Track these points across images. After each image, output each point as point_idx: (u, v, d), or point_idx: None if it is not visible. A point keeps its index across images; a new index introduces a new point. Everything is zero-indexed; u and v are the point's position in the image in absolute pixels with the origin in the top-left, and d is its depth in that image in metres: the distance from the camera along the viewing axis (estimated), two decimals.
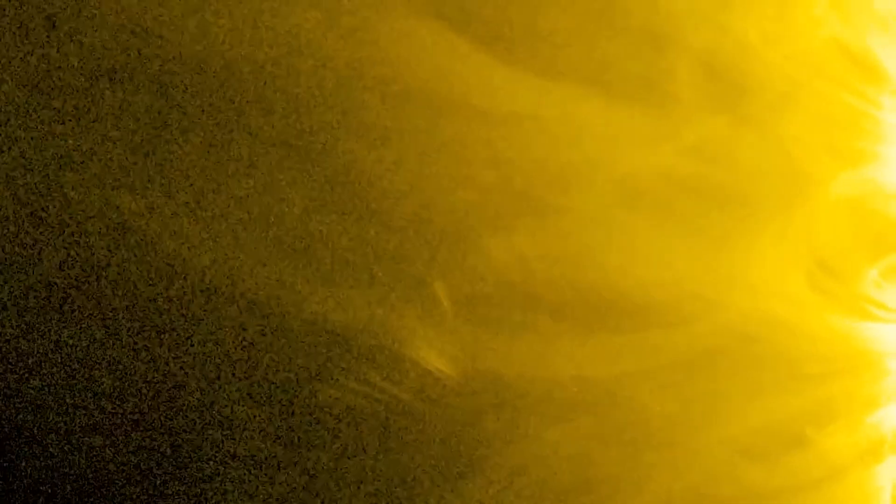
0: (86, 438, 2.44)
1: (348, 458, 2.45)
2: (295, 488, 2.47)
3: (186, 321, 2.40)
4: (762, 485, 2.48)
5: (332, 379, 2.41)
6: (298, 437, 2.45)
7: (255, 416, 2.44)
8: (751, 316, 2.44)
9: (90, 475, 2.48)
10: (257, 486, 2.48)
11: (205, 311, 2.40)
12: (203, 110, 2.36)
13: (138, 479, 2.47)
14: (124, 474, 2.47)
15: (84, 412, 2.44)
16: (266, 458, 2.46)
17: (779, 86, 2.42)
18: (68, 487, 2.46)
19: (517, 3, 2.37)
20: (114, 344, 2.42)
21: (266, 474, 2.47)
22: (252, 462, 2.47)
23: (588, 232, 2.40)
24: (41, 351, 2.43)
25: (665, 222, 2.42)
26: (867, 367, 2.48)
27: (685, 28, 2.41)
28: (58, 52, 2.34)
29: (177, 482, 2.47)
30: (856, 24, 2.46)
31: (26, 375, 2.44)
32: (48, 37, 2.34)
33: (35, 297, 2.41)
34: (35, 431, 2.46)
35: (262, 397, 2.44)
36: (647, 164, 2.41)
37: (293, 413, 2.44)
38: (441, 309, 2.40)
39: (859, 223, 2.47)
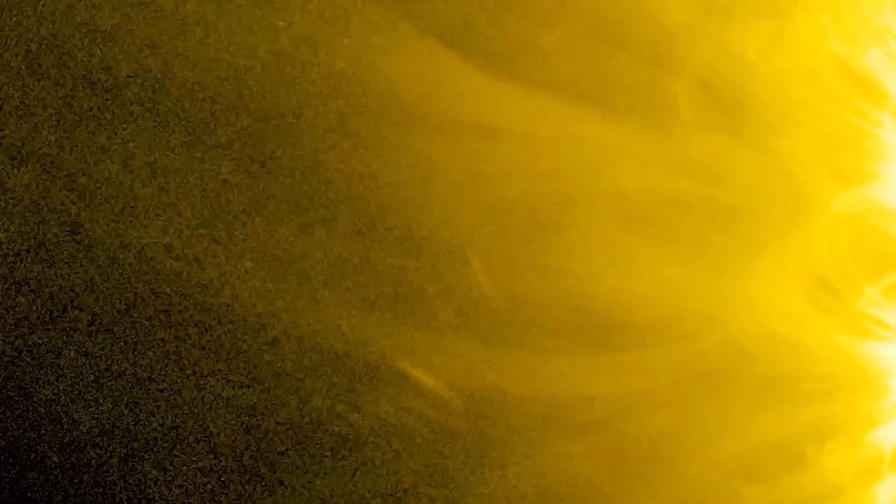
0: (85, 459, 2.45)
1: (346, 478, 2.45)
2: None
3: (185, 340, 2.41)
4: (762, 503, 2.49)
5: (329, 398, 2.41)
6: (294, 456, 2.45)
7: (251, 435, 2.45)
8: (751, 334, 2.44)
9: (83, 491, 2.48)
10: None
11: (203, 328, 2.40)
12: (200, 128, 2.37)
13: (132, 489, 2.47)
14: (118, 488, 2.47)
15: (85, 431, 2.44)
16: (262, 476, 2.47)
17: (778, 104, 2.42)
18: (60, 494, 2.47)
19: (517, 21, 2.38)
20: (111, 360, 2.42)
21: (261, 491, 2.48)
22: (247, 480, 2.47)
23: (588, 250, 2.41)
24: (38, 364, 2.43)
25: (665, 240, 2.42)
26: (867, 386, 2.48)
27: (684, 45, 2.40)
28: (54, 62, 2.35)
29: (169, 494, 2.47)
30: (856, 41, 2.47)
31: (22, 387, 2.44)
32: (46, 47, 2.35)
33: (34, 309, 2.41)
34: (31, 442, 2.46)
35: (258, 415, 2.44)
36: (648, 182, 2.41)
37: (289, 431, 2.44)
38: (440, 327, 2.41)
39: (859, 242, 2.47)
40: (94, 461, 2.45)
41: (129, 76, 2.33)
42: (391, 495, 2.44)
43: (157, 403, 2.44)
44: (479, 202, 2.39)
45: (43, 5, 2.33)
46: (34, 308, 2.41)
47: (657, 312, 2.42)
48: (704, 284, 2.42)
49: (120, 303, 2.39)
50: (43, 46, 2.35)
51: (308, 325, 2.38)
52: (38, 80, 2.35)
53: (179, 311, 2.40)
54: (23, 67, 2.35)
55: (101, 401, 2.43)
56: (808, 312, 2.45)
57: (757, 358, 2.45)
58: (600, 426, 2.44)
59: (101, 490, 2.46)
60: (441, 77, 2.35)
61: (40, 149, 2.37)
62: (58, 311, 2.41)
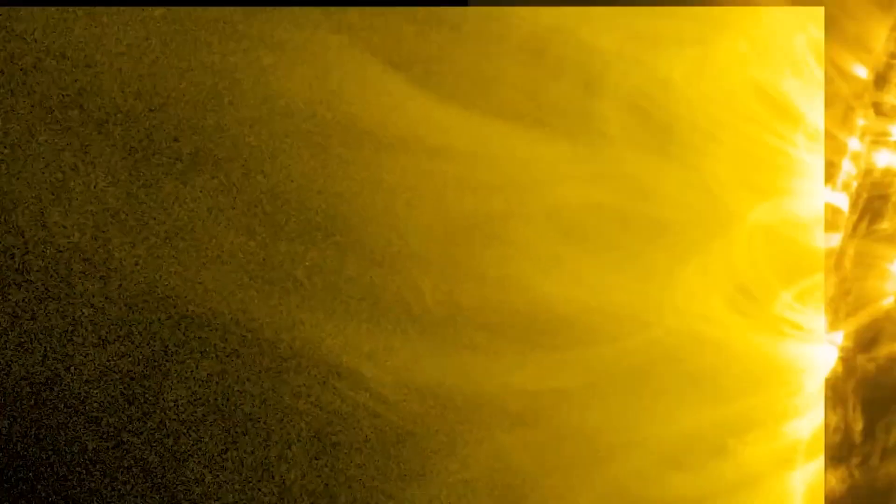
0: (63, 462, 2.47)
1: (303, 471, 2.47)
2: (238, 491, 2.47)
3: (163, 344, 2.45)
4: (686, 490, 2.53)
5: (292, 395, 2.44)
6: (259, 450, 2.47)
7: (217, 430, 2.47)
8: (677, 335, 2.51)
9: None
10: (208, 489, 2.49)
11: (178, 330, 2.44)
12: (186, 152, 2.44)
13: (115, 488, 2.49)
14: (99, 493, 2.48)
15: (62, 437, 2.46)
16: (225, 468, 2.47)
17: (701, 125, 2.52)
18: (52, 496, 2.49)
19: (462, 49, 2.47)
20: (91, 364, 2.45)
21: (224, 481, 2.48)
22: (212, 473, 2.47)
23: (527, 260, 2.48)
24: (29, 373, 2.45)
25: (598, 250, 2.50)
26: (783, 383, 2.56)
27: (616, 71, 2.51)
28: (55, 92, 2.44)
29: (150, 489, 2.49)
30: (773, 67, 2.57)
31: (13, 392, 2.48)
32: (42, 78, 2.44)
33: (24, 318, 2.46)
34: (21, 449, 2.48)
35: (223, 412, 2.46)
36: (582, 197, 2.49)
37: (254, 426, 2.46)
38: (391, 329, 2.46)
39: (775, 251, 2.55)
40: (77, 458, 2.47)
41: (107, 113, 2.41)
42: (346, 487, 2.45)
43: (131, 399, 2.47)
44: (426, 215, 2.46)
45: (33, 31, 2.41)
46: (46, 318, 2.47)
47: (590, 315, 2.49)
48: (634, 290, 2.50)
49: (111, 308, 2.44)
50: (36, 71, 2.44)
51: (268, 327, 2.43)
52: (29, 103, 2.44)
53: (157, 315, 2.45)
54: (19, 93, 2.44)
55: (93, 404, 2.45)
56: (728, 315, 2.53)
57: (682, 357, 2.51)
58: (538, 419, 2.48)
59: (93, 489, 2.46)
60: (393, 101, 2.44)
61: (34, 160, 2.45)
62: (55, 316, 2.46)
